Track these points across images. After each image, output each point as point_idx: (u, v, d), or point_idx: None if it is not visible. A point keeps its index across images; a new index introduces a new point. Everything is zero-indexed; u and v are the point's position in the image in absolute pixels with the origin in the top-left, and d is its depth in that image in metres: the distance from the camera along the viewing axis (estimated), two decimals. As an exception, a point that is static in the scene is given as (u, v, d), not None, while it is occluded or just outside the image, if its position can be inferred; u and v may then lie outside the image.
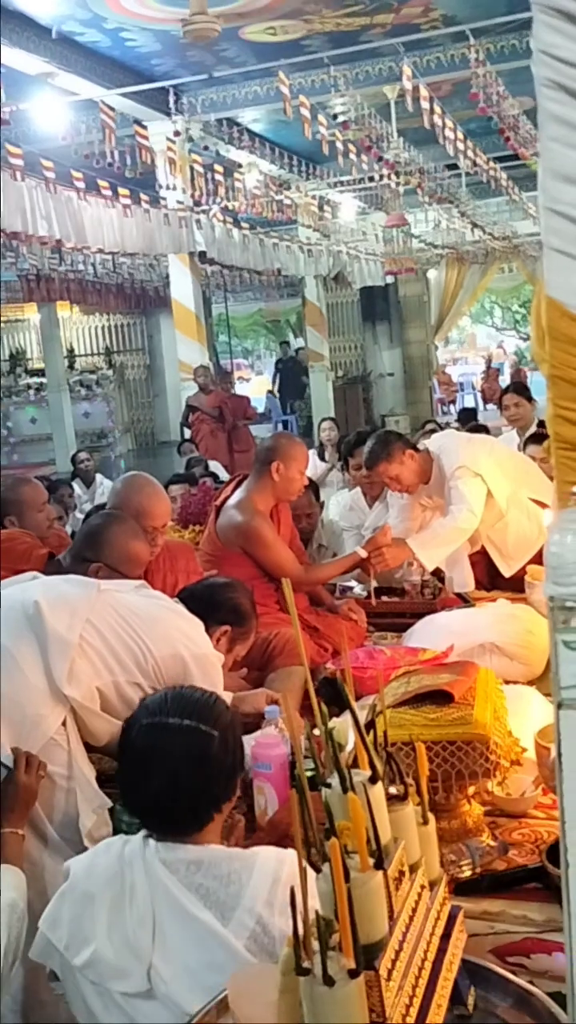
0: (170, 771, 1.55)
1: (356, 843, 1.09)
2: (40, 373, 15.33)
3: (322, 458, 7.81)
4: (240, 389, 17.07)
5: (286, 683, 2.94)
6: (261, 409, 16.93)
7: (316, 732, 1.92)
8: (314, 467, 6.80)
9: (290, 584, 1.33)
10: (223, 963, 1.41)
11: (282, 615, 3.48)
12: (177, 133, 8.38)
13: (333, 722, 1.20)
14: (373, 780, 1.17)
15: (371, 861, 1.11)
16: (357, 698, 2.59)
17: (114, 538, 2.49)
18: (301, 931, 1.05)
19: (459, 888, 1.87)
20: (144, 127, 7.89)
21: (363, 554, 3.65)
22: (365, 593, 3.97)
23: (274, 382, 18.54)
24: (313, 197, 11.60)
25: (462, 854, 1.94)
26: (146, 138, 7.56)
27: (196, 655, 2.19)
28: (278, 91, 7.06)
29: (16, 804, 1.87)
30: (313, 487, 4.43)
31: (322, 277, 13.61)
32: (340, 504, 4.90)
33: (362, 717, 1.97)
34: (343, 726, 1.18)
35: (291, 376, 17.36)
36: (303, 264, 12.32)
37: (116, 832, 1.98)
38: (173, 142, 8.29)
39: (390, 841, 1.18)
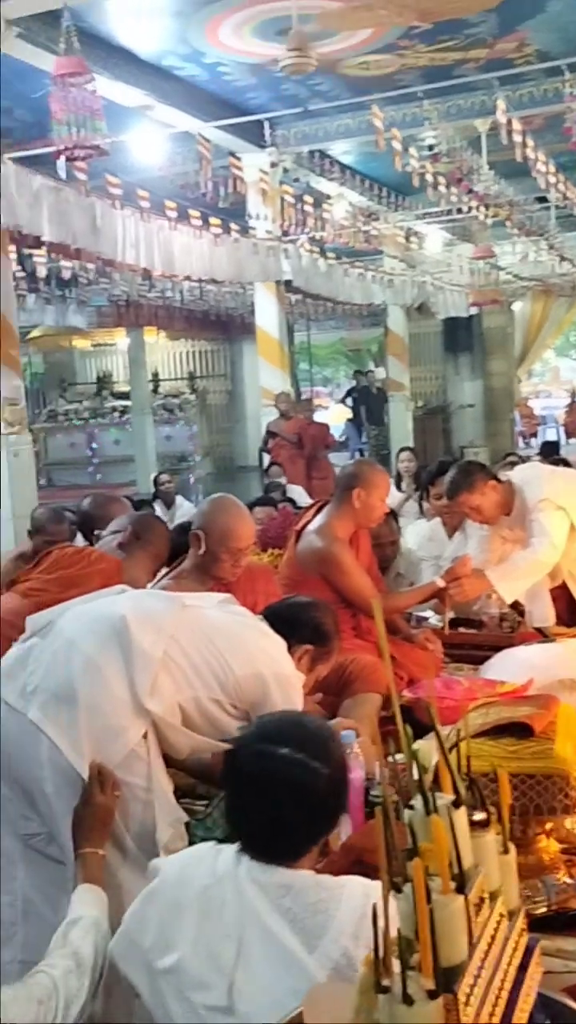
0: (274, 802, 1.56)
1: (438, 865, 1.10)
2: (125, 396, 15.66)
3: (399, 487, 7.79)
4: (319, 417, 17.16)
5: (361, 709, 2.95)
6: (340, 437, 17.00)
7: (391, 759, 1.93)
8: (391, 496, 6.79)
9: (380, 605, 1.34)
10: (304, 991, 1.41)
11: (358, 641, 3.49)
12: (272, 164, 8.55)
13: (417, 744, 1.21)
14: (456, 804, 1.17)
15: (453, 885, 1.11)
16: (429, 729, 2.58)
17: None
18: (382, 950, 1.06)
19: (533, 925, 1.84)
20: (238, 159, 8.07)
21: (441, 584, 3.63)
22: (441, 624, 3.95)
23: (353, 411, 18.57)
24: (400, 228, 11.67)
25: (537, 890, 1.92)
26: (240, 169, 7.72)
27: (277, 674, 2.21)
28: (370, 124, 7.16)
29: (95, 823, 1.90)
30: (393, 515, 4.43)
31: (406, 307, 13.64)
32: (418, 534, 4.89)
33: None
34: (427, 749, 1.19)
35: (365, 404, 17.34)
36: (387, 294, 12.38)
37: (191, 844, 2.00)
38: (266, 173, 8.46)
39: (472, 867, 1.18)
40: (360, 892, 1.50)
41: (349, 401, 17.68)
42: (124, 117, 8.18)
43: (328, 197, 10.17)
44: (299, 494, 7.88)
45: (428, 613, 4.20)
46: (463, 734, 1.59)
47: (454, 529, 4.49)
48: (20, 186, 6.00)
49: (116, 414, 15.72)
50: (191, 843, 2.10)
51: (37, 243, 6.95)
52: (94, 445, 15.64)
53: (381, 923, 1.05)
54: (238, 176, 7.61)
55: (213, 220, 8.09)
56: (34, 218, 6.11)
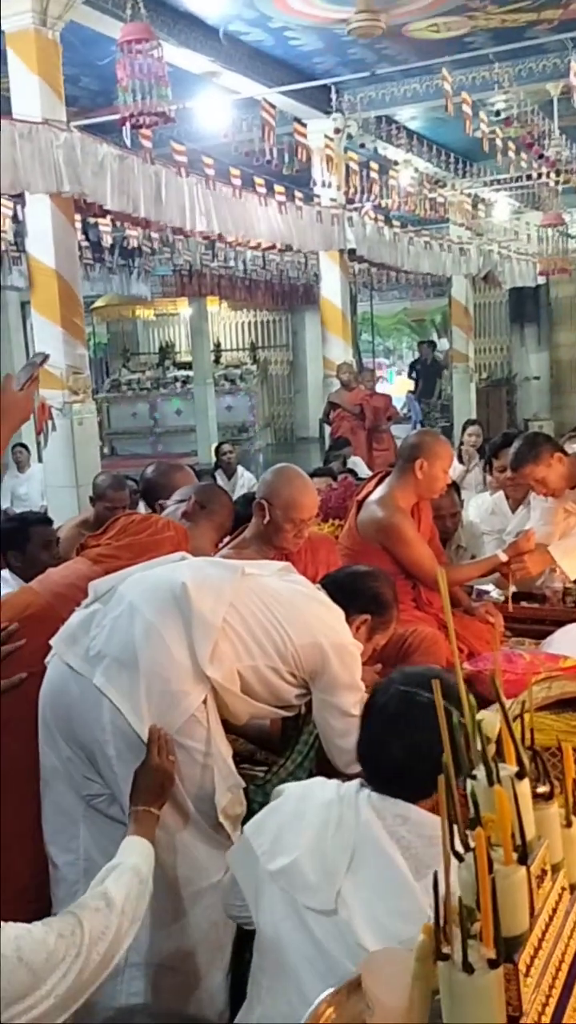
0: (412, 742, 1.61)
1: (501, 836, 1.09)
2: (187, 366, 15.73)
3: (460, 461, 7.69)
4: (381, 388, 17.02)
5: (421, 681, 2.93)
6: (401, 409, 16.86)
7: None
8: (453, 469, 6.72)
9: (444, 575, 1.33)
10: (406, 911, 1.48)
11: (419, 613, 3.47)
12: (337, 131, 8.44)
13: (481, 714, 1.20)
14: (520, 776, 1.16)
15: (515, 856, 1.11)
16: (490, 701, 2.56)
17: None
18: (442, 917, 1.05)
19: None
20: (304, 125, 7.98)
21: (504, 558, 3.58)
22: (503, 597, 3.90)
23: (414, 382, 18.39)
24: (467, 195, 11.45)
25: (599, 866, 1.89)
26: (305, 136, 7.64)
27: (335, 644, 2.21)
28: (438, 88, 7.04)
29: (152, 785, 1.93)
30: (455, 487, 4.38)
31: (471, 277, 13.41)
32: (480, 507, 4.83)
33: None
34: (491, 719, 1.19)
35: (426, 376, 17.12)
36: (453, 263, 12.18)
37: (251, 814, 2.02)
38: (331, 139, 8.36)
39: (534, 838, 1.17)
40: None
41: (413, 374, 17.50)
42: (190, 84, 8.14)
43: (394, 164, 10.01)
44: (359, 466, 7.83)
45: (489, 587, 4.16)
46: (527, 706, 1.58)
47: (517, 503, 4.42)
48: (85, 154, 6.02)
49: (178, 384, 15.80)
50: (250, 809, 2.12)
51: (102, 212, 6.97)
52: (156, 415, 15.76)
53: (442, 891, 1.04)
54: (302, 143, 7.53)
55: (277, 188, 8.02)
56: (98, 186, 6.13)
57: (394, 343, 24.71)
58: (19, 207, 6.72)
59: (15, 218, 7.63)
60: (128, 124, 5.73)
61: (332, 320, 10.28)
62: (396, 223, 10.68)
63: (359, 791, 1.65)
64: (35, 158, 5.70)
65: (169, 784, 1.95)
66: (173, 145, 6.82)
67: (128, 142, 6.26)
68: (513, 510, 4.43)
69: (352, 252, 9.91)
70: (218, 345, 16.82)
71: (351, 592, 2.48)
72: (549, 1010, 1.16)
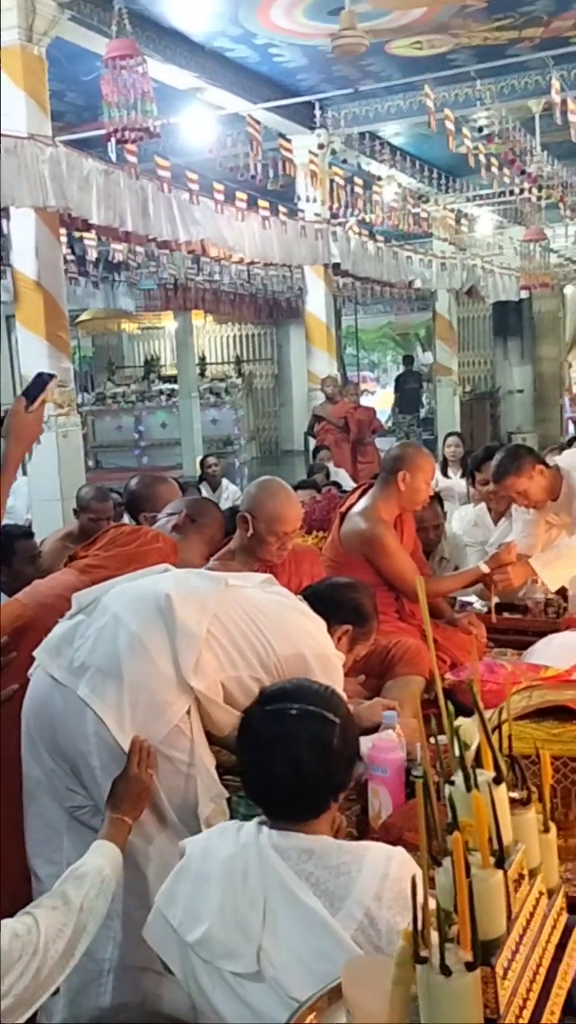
0: (293, 757, 1.60)
1: (478, 840, 1.11)
2: (172, 379, 15.75)
3: (444, 473, 7.75)
4: (365, 401, 17.09)
5: (404, 691, 2.95)
6: (386, 422, 16.94)
7: (433, 740, 1.94)
8: (436, 480, 6.77)
9: (423, 584, 1.35)
10: (331, 952, 1.45)
11: (402, 624, 3.49)
12: (321, 146, 8.52)
13: (459, 721, 1.22)
14: (497, 781, 1.18)
15: (492, 860, 1.12)
16: (472, 711, 2.58)
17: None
18: (420, 921, 1.07)
19: (573, 907, 1.84)
20: (288, 140, 8.05)
21: (485, 570, 3.61)
22: (485, 609, 3.93)
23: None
24: (450, 210, 11.56)
25: (578, 873, 1.91)
26: (290, 151, 7.70)
27: (318, 654, 2.23)
28: (421, 105, 7.10)
29: (128, 795, 1.93)
30: (438, 499, 4.41)
31: (455, 291, 13.51)
32: (463, 519, 4.86)
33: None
34: (469, 726, 1.20)
35: (408, 390, 17.27)
36: (436, 277, 12.27)
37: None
38: (316, 155, 8.43)
39: (511, 843, 1.19)
40: (383, 855, 1.53)
41: (396, 387, 17.62)
42: (175, 99, 8.19)
43: (378, 179, 10.09)
44: (343, 478, 7.87)
45: (472, 598, 4.19)
46: (506, 716, 1.60)
47: (500, 515, 4.46)
48: (71, 169, 6.05)
49: (163, 397, 15.81)
50: (232, 819, 2.13)
51: (87, 226, 6.99)
52: (141, 428, 15.76)
53: (420, 895, 1.06)
54: (287, 158, 7.59)
55: (262, 203, 8.07)
56: (84, 201, 6.16)
57: (379, 356, 24.84)
58: (4, 221, 6.73)
59: (0, 232, 7.64)
60: (113, 139, 5.76)
61: (317, 334, 10.33)
62: (380, 237, 10.76)
63: (259, 833, 1.60)
64: (20, 173, 5.72)
65: (145, 796, 1.95)
66: (157, 160, 6.86)
67: (113, 157, 6.29)
68: (495, 522, 4.47)
69: (336, 266, 9.97)
70: (203, 359, 16.86)
71: (332, 603, 2.50)
72: (527, 1013, 1.18)
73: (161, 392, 16.00)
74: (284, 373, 17.60)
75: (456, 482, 6.73)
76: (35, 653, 2.19)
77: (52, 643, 2.17)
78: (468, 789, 1.15)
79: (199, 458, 9.73)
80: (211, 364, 17.34)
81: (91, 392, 16.93)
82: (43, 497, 6.31)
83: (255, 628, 2.17)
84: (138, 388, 16.39)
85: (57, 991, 1.65)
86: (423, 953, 1.06)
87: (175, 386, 15.25)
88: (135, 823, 1.94)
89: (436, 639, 3.52)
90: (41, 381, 2.09)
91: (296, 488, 5.54)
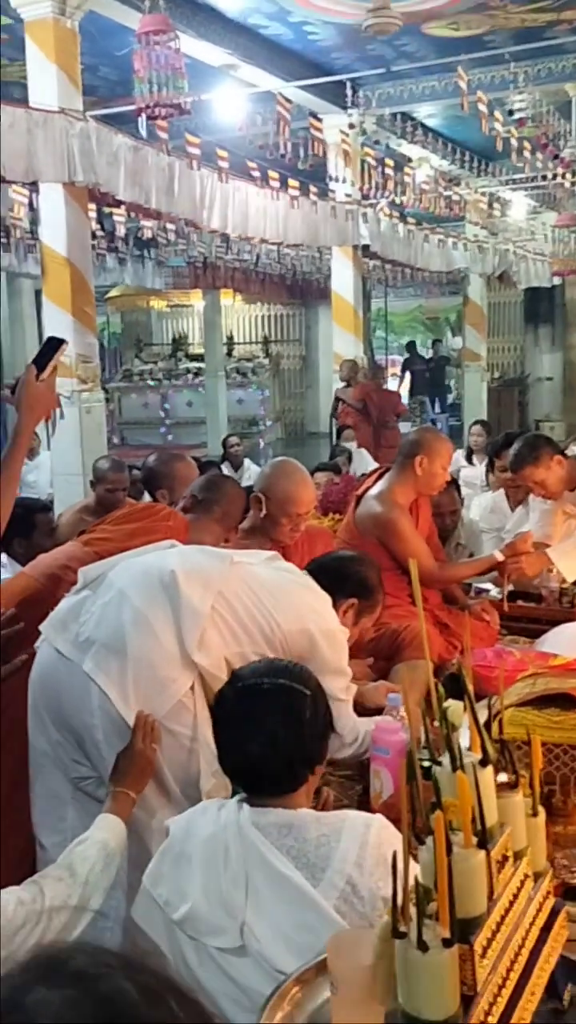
0: (267, 730, 1.62)
1: (461, 821, 1.12)
2: (200, 358, 15.78)
3: (469, 460, 7.71)
4: (394, 385, 17.04)
5: (411, 675, 2.96)
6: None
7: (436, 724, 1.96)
8: (456, 467, 6.75)
9: (416, 567, 1.36)
10: (313, 923, 1.47)
11: (413, 608, 3.48)
12: (352, 126, 8.45)
13: (448, 702, 1.23)
14: (483, 763, 1.19)
15: (475, 840, 1.14)
16: (481, 696, 2.59)
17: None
18: (400, 897, 1.08)
19: (569, 893, 1.85)
20: (319, 120, 7.99)
21: (500, 558, 3.61)
22: (499, 596, 3.93)
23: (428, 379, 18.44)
24: (483, 194, 11.44)
25: (575, 860, 1.92)
26: (320, 130, 7.65)
27: (323, 629, 2.24)
28: (456, 86, 7.02)
29: (132, 768, 1.95)
30: (455, 485, 4.40)
31: (486, 276, 13.40)
32: (482, 505, 4.85)
33: (484, 714, 1.99)
34: (458, 708, 1.21)
35: (416, 372, 17.23)
36: (468, 262, 12.17)
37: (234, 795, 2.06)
38: (347, 135, 8.36)
39: (496, 825, 1.20)
40: (361, 822, 1.55)
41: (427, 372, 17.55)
42: (208, 76, 8.15)
43: (409, 160, 10.00)
44: (364, 457, 7.85)
45: (488, 585, 4.18)
46: (504, 700, 1.61)
47: (518, 503, 4.44)
48: (100, 144, 6.05)
49: (190, 376, 15.86)
50: (234, 793, 2.15)
51: (116, 202, 7.00)
52: (167, 406, 15.81)
53: (400, 871, 1.07)
54: (317, 137, 7.54)
55: (291, 182, 8.04)
56: (111, 176, 6.16)
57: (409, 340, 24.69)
58: (34, 195, 6.75)
59: (30, 206, 7.66)
60: (144, 115, 5.76)
61: (343, 316, 10.29)
62: (411, 220, 10.67)
63: (239, 811, 1.62)
64: (49, 146, 5.73)
65: (149, 770, 1.98)
66: (187, 137, 6.84)
67: (144, 133, 6.29)
68: (512, 509, 4.45)
69: (366, 248, 9.91)
70: (231, 338, 16.87)
71: (338, 577, 2.51)
72: (506, 992, 1.19)
73: (188, 370, 16.04)
74: (312, 354, 17.57)
75: (479, 470, 6.70)
76: (41, 627, 2.22)
77: (58, 617, 2.20)
78: (453, 770, 1.16)
79: (222, 437, 9.74)
80: (239, 344, 17.34)
81: (119, 369, 17.00)
82: (65, 472, 6.36)
83: (260, 604, 2.19)
84: (165, 366, 16.45)
85: None
86: (401, 928, 1.07)
87: (202, 365, 15.28)
88: (139, 797, 1.97)
89: (448, 624, 3.54)
90: (50, 347, 2.03)
91: (316, 471, 5.56)
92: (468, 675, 1.26)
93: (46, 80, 6.07)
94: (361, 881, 1.48)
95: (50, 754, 2.19)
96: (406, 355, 18.11)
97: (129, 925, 2.01)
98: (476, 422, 8.68)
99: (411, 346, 18.13)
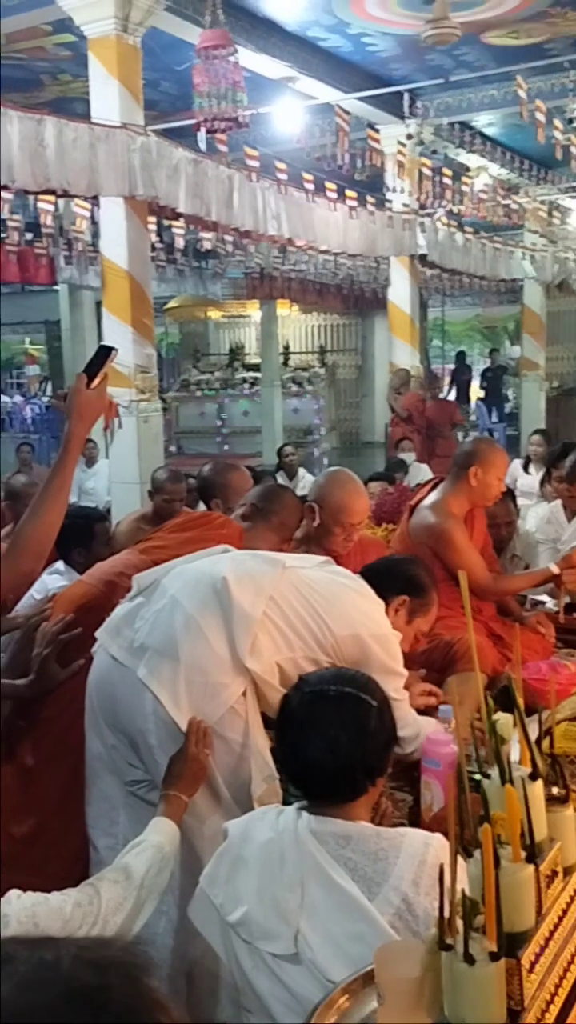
0: (330, 738, 1.62)
1: (510, 834, 1.12)
2: (256, 368, 15.86)
3: (526, 470, 7.63)
4: (451, 395, 16.95)
5: (464, 687, 2.94)
6: (471, 416, 16.79)
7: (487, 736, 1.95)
8: (513, 477, 6.68)
9: (466, 578, 1.36)
10: (367, 935, 1.47)
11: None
12: (410, 136, 8.44)
13: (498, 715, 1.23)
14: (533, 777, 1.19)
15: (523, 854, 1.13)
16: (535, 710, 2.56)
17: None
18: (447, 910, 1.09)
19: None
20: (377, 130, 8.01)
21: (556, 570, 3.57)
22: (556, 608, 3.88)
23: (484, 389, 18.31)
24: (542, 202, 11.33)
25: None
26: (378, 141, 7.66)
27: (375, 634, 2.24)
28: (515, 95, 6.97)
29: (185, 772, 1.97)
30: (511, 496, 4.36)
31: (545, 284, 13.25)
32: (538, 516, 4.80)
33: (536, 727, 1.97)
34: (507, 721, 1.21)
35: (496, 385, 17.09)
36: (526, 270, 12.06)
37: (285, 803, 2.07)
38: (404, 145, 8.36)
39: (545, 839, 1.20)
40: (420, 841, 1.54)
41: (483, 382, 17.43)
42: (268, 89, 8.22)
43: (467, 169, 9.95)
44: (423, 472, 7.81)
45: (544, 597, 4.14)
46: (557, 714, 1.59)
47: (574, 513, 4.38)
48: (161, 158, 6.14)
49: (246, 385, 15.94)
50: (286, 801, 2.16)
51: (175, 215, 7.09)
52: (223, 415, 15.92)
53: (448, 883, 1.07)
54: (375, 148, 7.55)
55: (349, 193, 8.06)
56: (172, 190, 6.24)
57: (466, 349, 24.56)
58: (95, 209, 6.88)
59: (92, 219, 7.81)
60: (203, 129, 5.84)
61: (400, 325, 10.27)
62: (469, 229, 10.62)
63: (297, 818, 1.63)
64: (111, 161, 5.83)
65: (202, 774, 2.00)
66: (246, 150, 6.91)
67: (203, 146, 6.37)
68: (569, 520, 4.39)
69: (423, 258, 9.88)
70: (287, 348, 16.93)
71: (388, 576, 2.53)
72: (555, 1008, 1.18)
73: (244, 380, 16.13)
74: (368, 364, 17.55)
75: (536, 480, 6.63)
76: (97, 634, 2.25)
77: (113, 624, 2.23)
78: (503, 783, 1.16)
79: (278, 447, 9.78)
80: (295, 353, 17.39)
81: (176, 379, 17.18)
82: (122, 480, 6.45)
83: (311, 609, 2.19)
84: (222, 376, 16.56)
85: None
86: (448, 941, 1.07)
87: (258, 374, 15.36)
88: (190, 803, 1.99)
89: (502, 637, 3.51)
90: (101, 355, 2.06)
91: (370, 480, 5.56)
92: (518, 687, 1.26)
93: (108, 96, 6.19)
94: (416, 900, 1.47)
95: (105, 758, 2.22)
96: (489, 363, 18.00)
97: (184, 925, 2.05)
98: (535, 431, 8.57)
99: (460, 356, 18.02)
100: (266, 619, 2.13)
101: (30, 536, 1.91)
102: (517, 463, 7.09)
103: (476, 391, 18.26)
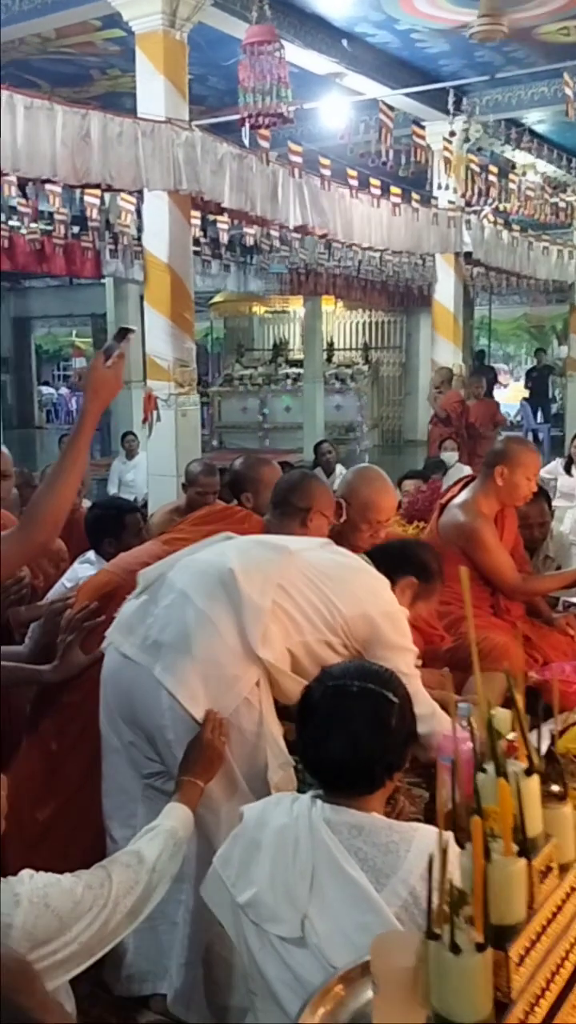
0: (351, 732, 1.65)
1: (502, 828, 1.13)
2: (299, 364, 15.88)
3: (568, 471, 7.54)
4: (497, 395, 16.79)
5: (486, 686, 2.92)
6: (515, 416, 16.64)
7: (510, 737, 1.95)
8: (554, 476, 6.61)
9: (467, 573, 1.36)
10: (373, 925, 1.48)
11: (495, 620, 3.46)
12: (453, 133, 8.39)
13: (496, 711, 1.24)
14: (529, 772, 1.19)
15: (515, 848, 1.14)
16: (559, 711, 2.55)
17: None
18: (436, 899, 1.10)
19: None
20: (422, 127, 7.97)
21: (585, 571, 3.54)
22: (587, 611, 3.85)
23: (530, 389, 18.11)
24: (590, 201, 11.18)
25: None
26: (423, 138, 7.62)
27: (383, 612, 2.26)
28: (565, 92, 6.89)
29: (200, 758, 2.00)
30: (545, 496, 4.32)
31: (593, 284, 13.08)
32: (571, 517, 4.76)
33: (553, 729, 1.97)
34: (504, 716, 1.21)
35: (542, 385, 16.88)
36: (574, 269, 11.92)
37: (300, 790, 2.08)
38: (449, 142, 8.31)
39: (540, 835, 1.20)
40: (432, 836, 1.55)
41: (529, 381, 17.24)
42: (315, 85, 8.23)
43: (513, 167, 9.87)
44: (465, 473, 7.74)
45: (576, 599, 4.10)
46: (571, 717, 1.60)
47: (609, 515, 4.34)
48: (205, 153, 6.17)
49: (289, 381, 15.98)
50: (300, 789, 2.18)
51: (219, 210, 7.12)
52: (266, 411, 15.97)
53: (437, 874, 1.08)
54: (420, 145, 7.52)
55: (394, 189, 8.03)
56: (216, 184, 6.27)
57: (514, 349, 24.30)
58: (139, 203, 6.94)
59: (137, 213, 7.89)
60: (247, 124, 5.86)
61: (443, 323, 10.22)
62: (516, 227, 10.52)
63: (312, 806, 1.65)
64: (156, 156, 5.88)
65: (218, 761, 2.02)
66: (290, 145, 6.92)
67: (246, 142, 6.39)
68: (603, 522, 4.35)
69: (468, 255, 9.82)
70: (331, 344, 16.92)
71: (400, 556, 2.57)
72: (545, 1003, 1.18)
73: (287, 376, 16.16)
74: (412, 362, 17.48)
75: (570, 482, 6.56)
76: (107, 633, 2.28)
77: (123, 622, 2.25)
78: (497, 777, 1.17)
79: (315, 443, 9.79)
80: (339, 350, 17.38)
81: (220, 373, 17.27)
82: (160, 472, 6.51)
83: (319, 592, 2.20)
84: (265, 371, 16.61)
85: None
86: (436, 930, 1.09)
87: (301, 370, 15.38)
88: (206, 791, 2.01)
89: (530, 637, 3.49)
90: (119, 336, 2.11)
91: (404, 478, 5.55)
92: (518, 685, 1.26)
93: (154, 91, 6.23)
94: (424, 894, 1.49)
95: (122, 753, 2.25)
96: (534, 363, 17.80)
97: (200, 913, 2.08)
98: (578, 433, 8.49)
99: (480, 355, 17.82)
100: (276, 607, 2.14)
101: (44, 508, 1.96)
102: (558, 463, 7.01)
103: (518, 391, 18.07)
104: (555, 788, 1.25)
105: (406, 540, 2.77)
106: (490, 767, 1.19)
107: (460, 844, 1.16)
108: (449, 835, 1.61)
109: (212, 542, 2.37)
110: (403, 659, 2.26)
